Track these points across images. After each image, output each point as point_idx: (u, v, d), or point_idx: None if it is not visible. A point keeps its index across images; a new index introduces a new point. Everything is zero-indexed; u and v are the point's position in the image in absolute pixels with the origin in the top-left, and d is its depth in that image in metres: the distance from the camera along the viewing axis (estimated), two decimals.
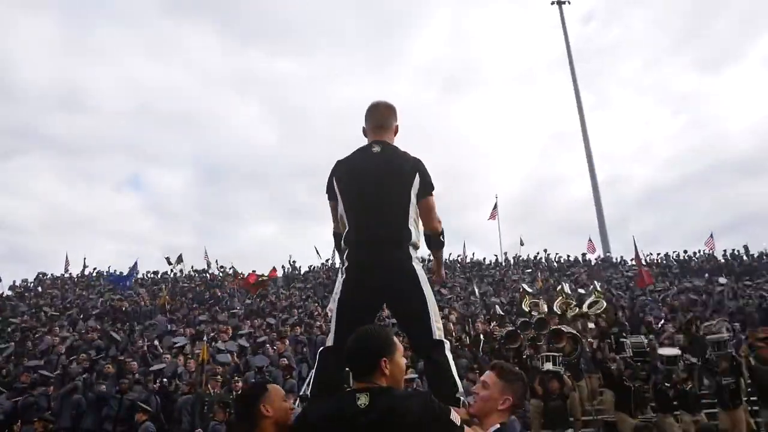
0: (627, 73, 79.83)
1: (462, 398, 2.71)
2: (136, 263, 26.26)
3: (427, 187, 3.09)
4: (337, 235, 3.30)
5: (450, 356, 2.87)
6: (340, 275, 3.06)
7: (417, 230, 3.05)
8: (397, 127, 3.34)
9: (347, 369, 2.25)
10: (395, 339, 2.37)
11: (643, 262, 25.50)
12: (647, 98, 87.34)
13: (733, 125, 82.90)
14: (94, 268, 30.13)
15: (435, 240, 3.29)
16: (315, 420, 2.17)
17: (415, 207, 3.04)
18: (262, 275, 19.40)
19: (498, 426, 2.45)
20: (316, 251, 28.06)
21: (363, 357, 2.19)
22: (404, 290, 2.91)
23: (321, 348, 3.05)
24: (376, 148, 3.14)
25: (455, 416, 2.16)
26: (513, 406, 2.51)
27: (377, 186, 3.00)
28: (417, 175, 3.05)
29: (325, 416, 2.13)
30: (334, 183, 3.17)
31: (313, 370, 3.05)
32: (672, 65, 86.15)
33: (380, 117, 3.29)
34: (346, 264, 3.04)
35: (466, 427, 2.21)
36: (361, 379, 2.17)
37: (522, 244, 32.92)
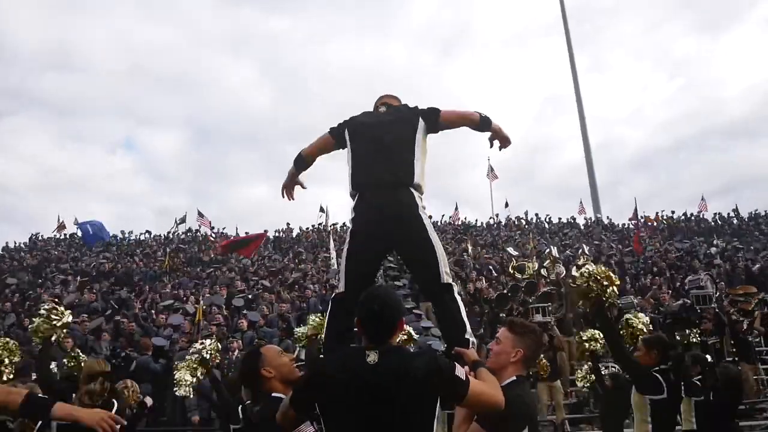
0: (624, 36, 79.01)
1: (470, 339, 2.86)
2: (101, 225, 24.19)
3: (433, 113, 3.32)
4: (301, 153, 3.59)
5: (459, 299, 3.03)
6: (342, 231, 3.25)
7: (422, 170, 3.21)
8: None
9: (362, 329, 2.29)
10: None
11: (638, 223, 25.74)
12: (644, 61, 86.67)
13: (728, 89, 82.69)
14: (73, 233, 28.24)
15: (483, 124, 3.42)
16: (327, 372, 2.22)
17: (422, 145, 3.25)
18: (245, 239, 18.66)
19: (514, 378, 2.56)
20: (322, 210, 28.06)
21: (384, 324, 2.22)
22: (412, 237, 3.06)
23: (333, 294, 3.23)
24: (382, 108, 3.51)
25: (460, 371, 2.23)
26: (525, 357, 2.62)
27: (384, 133, 3.22)
28: (420, 117, 3.30)
29: (337, 369, 2.19)
30: (345, 131, 3.38)
31: (326, 317, 3.26)
32: (670, 28, 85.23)
33: (390, 97, 3.63)
34: (354, 214, 3.19)
35: (472, 379, 2.27)
36: (376, 341, 2.21)
37: (507, 206, 33.10)
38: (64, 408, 2.53)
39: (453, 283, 3.05)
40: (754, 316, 10.90)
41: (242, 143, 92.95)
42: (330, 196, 38.84)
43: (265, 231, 21.63)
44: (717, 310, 10.73)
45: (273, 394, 2.64)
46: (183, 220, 28.29)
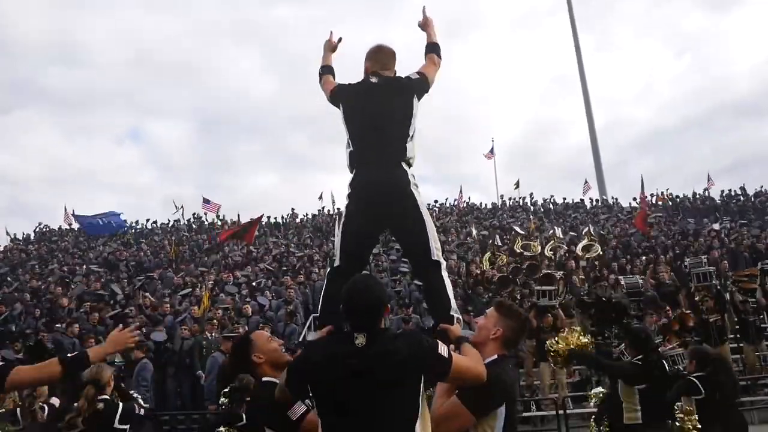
0: (630, 13, 77.94)
1: (455, 315, 2.93)
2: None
3: (425, 84, 3.45)
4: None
5: (446, 275, 3.09)
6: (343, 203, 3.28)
7: (413, 142, 3.27)
8: (395, 72, 3.53)
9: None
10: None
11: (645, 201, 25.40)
12: (651, 39, 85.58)
13: (736, 67, 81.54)
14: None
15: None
16: (315, 359, 2.31)
17: (416, 116, 3.30)
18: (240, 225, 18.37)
19: (495, 356, 2.68)
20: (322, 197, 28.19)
21: (369, 312, 2.28)
22: (405, 212, 3.12)
23: (329, 269, 3.30)
24: (374, 79, 3.40)
25: (443, 349, 2.32)
26: (505, 337, 2.73)
27: (379, 107, 3.26)
28: (414, 91, 3.36)
29: (324, 355, 2.28)
30: (340, 102, 3.43)
31: (323, 291, 3.26)
32: (678, 4, 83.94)
33: (384, 60, 3.52)
34: (350, 190, 3.25)
35: (454, 356, 2.37)
36: (363, 327, 2.26)
37: (517, 186, 32.26)
38: (96, 352, 2.97)
39: (441, 261, 3.11)
40: (756, 297, 10.93)
41: (248, 132, 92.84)
42: (335, 183, 38.64)
43: (261, 215, 21.25)
44: (719, 288, 10.74)
45: (264, 379, 2.78)
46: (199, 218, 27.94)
